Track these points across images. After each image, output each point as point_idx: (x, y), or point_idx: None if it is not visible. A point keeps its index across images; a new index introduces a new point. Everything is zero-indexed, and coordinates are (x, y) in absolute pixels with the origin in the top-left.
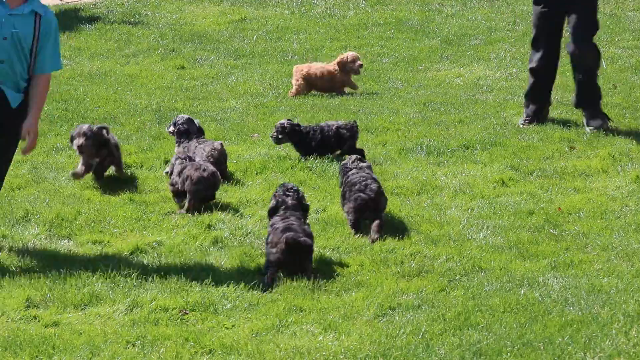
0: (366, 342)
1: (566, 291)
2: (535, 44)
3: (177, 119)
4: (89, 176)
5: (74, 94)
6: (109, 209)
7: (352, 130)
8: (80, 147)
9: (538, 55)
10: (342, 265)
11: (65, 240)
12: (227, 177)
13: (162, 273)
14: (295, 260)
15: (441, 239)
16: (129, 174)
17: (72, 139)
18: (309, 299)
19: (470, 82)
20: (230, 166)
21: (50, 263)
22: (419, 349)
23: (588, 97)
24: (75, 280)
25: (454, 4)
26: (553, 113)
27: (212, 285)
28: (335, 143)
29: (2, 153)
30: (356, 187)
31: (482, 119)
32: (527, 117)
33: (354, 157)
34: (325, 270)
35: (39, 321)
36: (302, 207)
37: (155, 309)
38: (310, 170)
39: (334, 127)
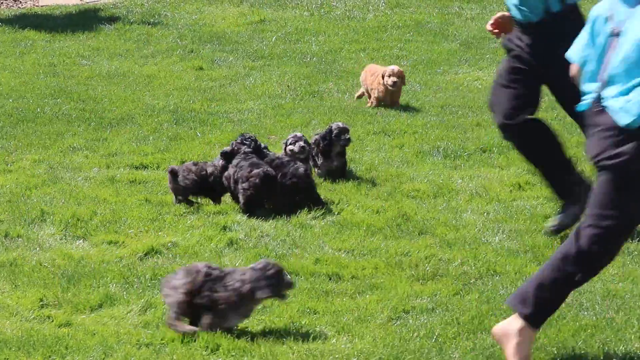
0: (379, 345)
1: (581, 296)
2: None
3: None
4: (105, 176)
5: (92, 94)
6: (124, 210)
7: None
8: None
9: None
10: (356, 267)
11: (81, 241)
12: None
13: None
14: (268, 193)
15: (456, 242)
16: (145, 174)
17: None
18: (323, 302)
19: (489, 86)
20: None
21: (64, 263)
22: (432, 353)
23: None
24: (90, 280)
25: (473, 7)
26: (567, 118)
27: None
28: None
29: None
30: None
31: None
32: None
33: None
34: (340, 272)
35: (52, 321)
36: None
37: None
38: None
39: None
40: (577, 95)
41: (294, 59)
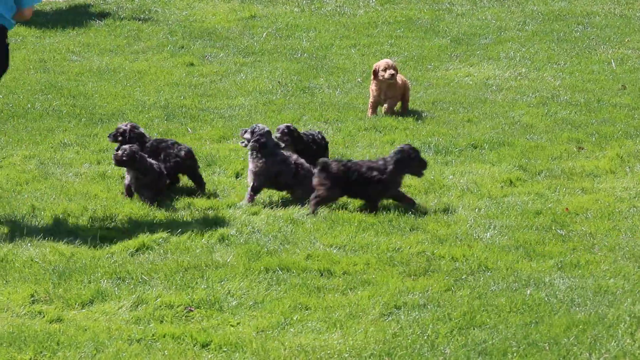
0: (371, 341)
1: (572, 292)
2: None
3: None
4: (96, 172)
5: (83, 90)
6: (115, 206)
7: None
8: None
9: None
10: (348, 263)
11: (72, 237)
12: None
13: (167, 270)
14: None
15: (448, 238)
16: None
17: None
18: (315, 297)
19: (480, 82)
20: (237, 164)
21: (56, 259)
22: (424, 349)
23: None
24: (81, 276)
25: (464, 3)
26: (561, 113)
27: (218, 283)
28: None
29: None
30: None
31: (491, 118)
32: None
33: None
34: (332, 268)
35: (43, 317)
36: None
37: (160, 306)
38: None
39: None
40: None
41: (284, 54)
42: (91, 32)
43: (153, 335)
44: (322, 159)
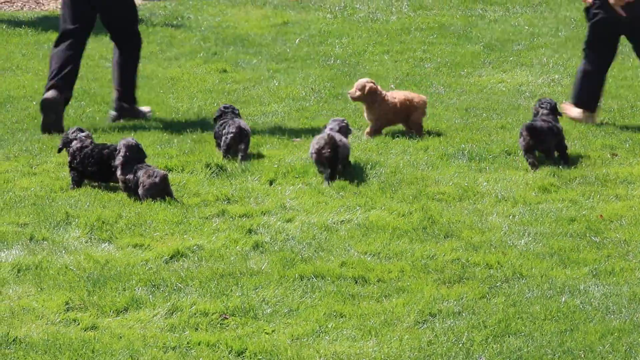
0: (406, 349)
1: (607, 299)
2: None
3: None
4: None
5: None
6: (149, 212)
7: None
8: None
9: None
10: (382, 271)
11: (106, 244)
12: None
13: (202, 277)
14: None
15: (482, 245)
16: (170, 177)
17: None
18: (349, 305)
19: (513, 88)
20: (271, 170)
21: (90, 266)
22: (459, 356)
23: None
24: (115, 283)
25: (496, 9)
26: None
27: (252, 290)
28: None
29: None
30: None
31: None
32: None
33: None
34: (366, 275)
35: (78, 324)
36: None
37: (195, 314)
38: (351, 175)
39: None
40: None
41: (317, 61)
42: None
43: (188, 343)
44: None
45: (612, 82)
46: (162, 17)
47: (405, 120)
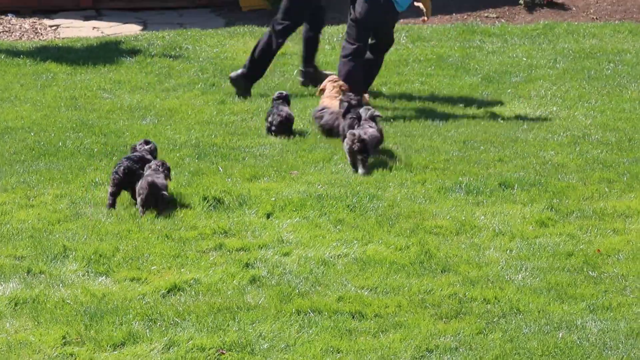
0: None
1: (604, 335)
2: None
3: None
4: (127, 211)
5: (114, 128)
6: (146, 246)
7: None
8: None
9: None
10: (379, 305)
11: (103, 277)
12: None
13: (199, 312)
14: None
15: (479, 280)
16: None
17: None
18: (346, 340)
19: (511, 120)
20: (269, 203)
21: (87, 300)
22: None
23: None
24: (113, 317)
25: (495, 40)
26: (592, 152)
27: (249, 325)
28: None
29: None
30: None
31: (522, 157)
32: None
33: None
34: (363, 310)
35: (75, 359)
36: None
37: (192, 349)
38: (351, 209)
39: None
40: None
41: (315, 92)
42: (122, 69)
43: None
44: None
45: (610, 115)
46: (161, 47)
47: None
